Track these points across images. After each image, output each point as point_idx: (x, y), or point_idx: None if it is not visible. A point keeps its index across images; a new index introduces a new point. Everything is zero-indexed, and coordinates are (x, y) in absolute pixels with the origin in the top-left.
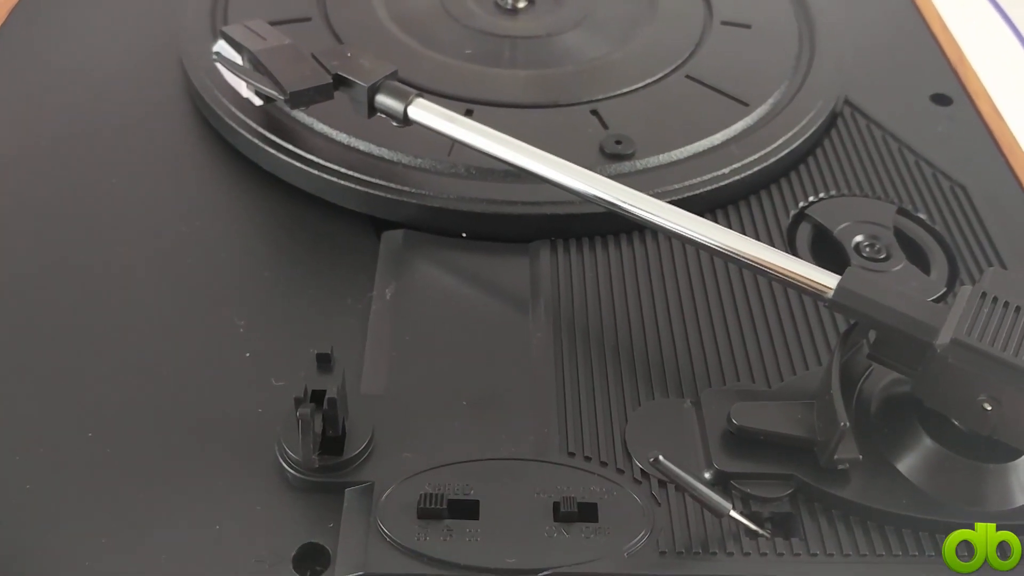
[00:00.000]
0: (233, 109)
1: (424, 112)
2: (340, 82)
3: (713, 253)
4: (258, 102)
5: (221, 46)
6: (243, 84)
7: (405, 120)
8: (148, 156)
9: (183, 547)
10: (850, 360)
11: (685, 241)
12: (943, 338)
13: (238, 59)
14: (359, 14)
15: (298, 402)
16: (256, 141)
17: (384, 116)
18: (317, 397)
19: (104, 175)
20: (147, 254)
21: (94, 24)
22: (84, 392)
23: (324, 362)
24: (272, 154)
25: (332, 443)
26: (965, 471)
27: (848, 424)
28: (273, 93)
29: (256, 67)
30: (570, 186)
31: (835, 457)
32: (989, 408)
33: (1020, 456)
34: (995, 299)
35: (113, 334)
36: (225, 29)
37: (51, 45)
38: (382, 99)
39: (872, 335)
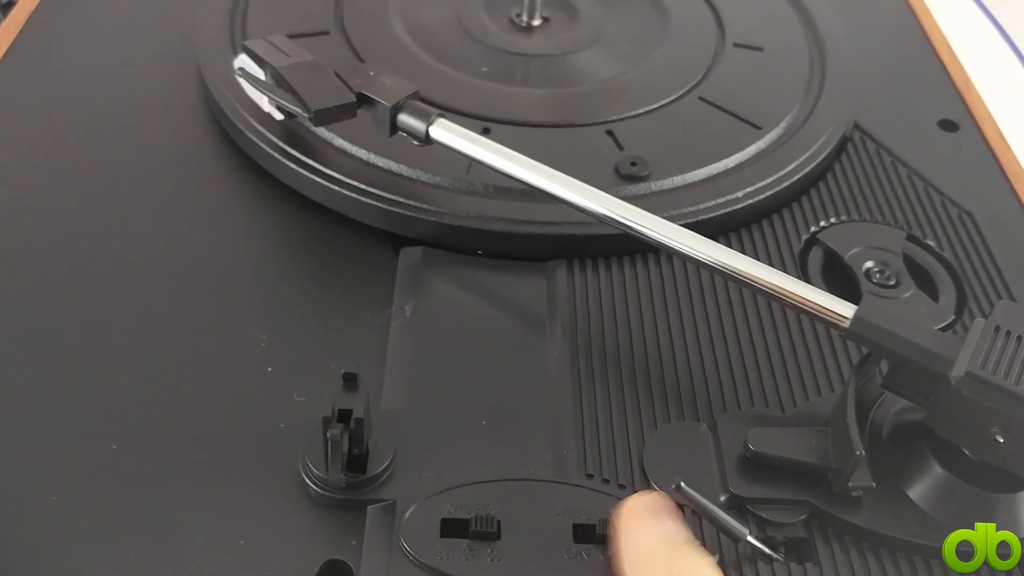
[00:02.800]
0: (253, 122)
1: (445, 132)
2: (363, 100)
3: (727, 278)
4: (279, 117)
5: (243, 60)
6: (264, 98)
7: (427, 140)
8: (167, 167)
9: (207, 561)
10: (863, 388)
11: (699, 265)
12: (957, 370)
13: (260, 74)
14: (377, 29)
15: (326, 422)
16: (276, 155)
17: (405, 135)
18: (344, 416)
19: (123, 187)
20: (167, 267)
21: (112, 35)
22: (108, 405)
23: (350, 381)
24: (292, 168)
25: (356, 461)
26: (975, 500)
27: (863, 453)
28: (296, 110)
29: (279, 83)
30: (586, 207)
31: (849, 484)
32: (1001, 440)
33: None
34: (1008, 333)
35: (136, 347)
36: (247, 44)
37: (68, 55)
38: (404, 119)
39: (886, 364)
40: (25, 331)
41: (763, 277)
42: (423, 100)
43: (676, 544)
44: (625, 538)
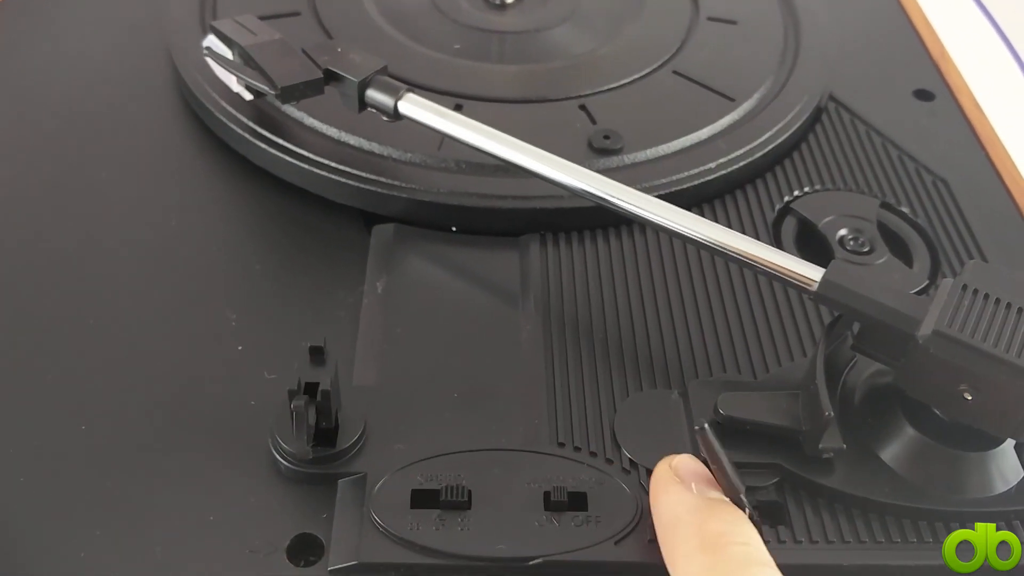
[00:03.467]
0: (223, 103)
1: (414, 107)
2: (330, 77)
3: (700, 247)
4: (248, 96)
5: (211, 41)
6: (233, 79)
7: (395, 115)
8: (138, 150)
9: (177, 538)
10: (834, 351)
11: (672, 235)
12: (925, 329)
13: (228, 54)
14: (348, 9)
15: (292, 394)
16: (246, 136)
17: (374, 111)
18: (311, 389)
19: (94, 170)
20: (138, 248)
21: (82, 19)
22: (78, 385)
23: (317, 354)
24: (262, 148)
25: (325, 435)
26: (946, 459)
27: (832, 414)
28: (264, 88)
29: (247, 62)
30: (559, 180)
31: (820, 446)
32: (969, 397)
33: (999, 444)
34: (976, 291)
35: (106, 327)
36: (215, 24)
37: (38, 41)
38: (372, 94)
39: (856, 327)
40: None
41: (732, 244)
42: (395, 78)
43: (703, 506)
44: (655, 511)
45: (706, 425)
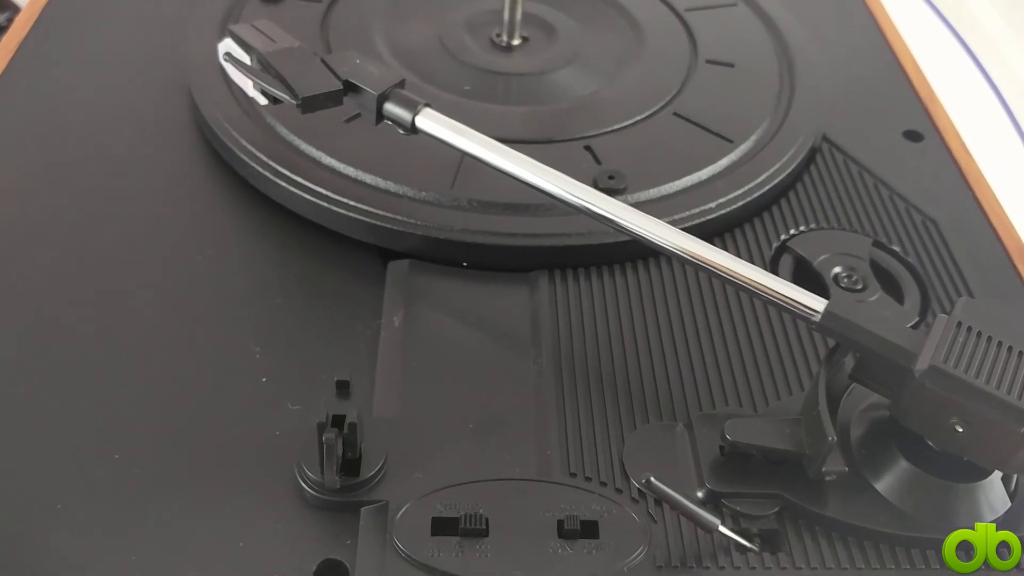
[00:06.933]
0: (243, 141)
1: (431, 122)
2: (349, 88)
3: (705, 271)
4: (264, 101)
5: (229, 45)
6: (250, 83)
7: (412, 129)
8: (160, 187)
9: (208, 564)
10: (832, 379)
11: (680, 260)
12: (921, 364)
13: (246, 58)
14: (360, 48)
15: (321, 427)
16: (266, 173)
17: (391, 124)
18: (338, 422)
19: (116, 207)
20: (164, 284)
21: (103, 59)
22: (110, 416)
23: (343, 388)
24: (282, 186)
25: (349, 464)
26: (937, 490)
27: (835, 439)
28: (284, 96)
29: (266, 68)
30: (570, 201)
31: (824, 469)
32: (960, 430)
33: (988, 476)
34: (969, 328)
35: (135, 361)
36: (233, 28)
37: (60, 80)
38: (390, 108)
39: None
40: (28, 347)
41: (739, 271)
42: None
43: None
44: None
45: (651, 478)
